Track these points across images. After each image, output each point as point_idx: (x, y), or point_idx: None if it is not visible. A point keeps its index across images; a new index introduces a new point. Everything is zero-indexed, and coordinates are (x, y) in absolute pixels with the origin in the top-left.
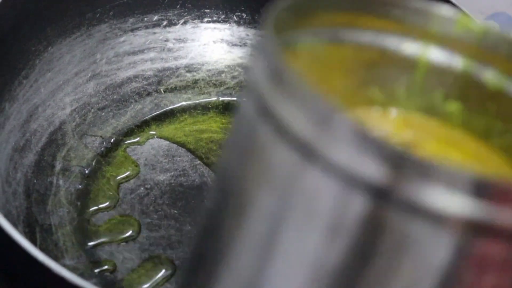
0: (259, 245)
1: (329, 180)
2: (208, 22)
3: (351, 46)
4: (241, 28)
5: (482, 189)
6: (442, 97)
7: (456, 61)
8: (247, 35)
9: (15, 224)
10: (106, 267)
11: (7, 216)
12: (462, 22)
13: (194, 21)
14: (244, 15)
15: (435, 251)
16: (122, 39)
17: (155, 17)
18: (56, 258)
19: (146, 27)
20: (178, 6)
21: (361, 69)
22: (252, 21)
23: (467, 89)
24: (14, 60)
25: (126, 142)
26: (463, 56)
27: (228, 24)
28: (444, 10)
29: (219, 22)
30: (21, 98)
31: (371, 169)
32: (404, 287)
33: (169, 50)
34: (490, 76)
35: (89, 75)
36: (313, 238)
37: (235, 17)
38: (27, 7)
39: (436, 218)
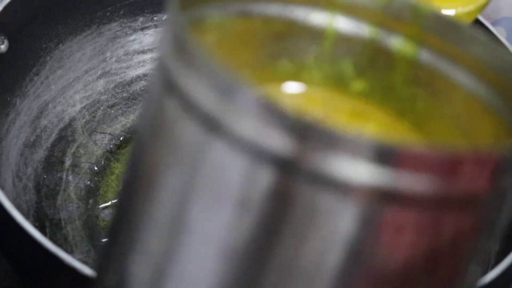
0: (168, 225)
1: (236, 154)
2: None
3: (259, 19)
4: None
5: (385, 155)
6: (351, 67)
7: (363, 30)
8: None
9: (25, 218)
10: None
11: (18, 210)
12: None
13: None
14: None
15: (343, 222)
16: (132, 37)
17: (165, 17)
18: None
19: (156, 26)
20: None
21: (270, 41)
22: None
23: (375, 57)
24: (25, 56)
25: None
26: (370, 24)
27: None
28: None
29: None
30: (32, 94)
31: (277, 141)
32: (314, 259)
33: None
34: (396, 43)
35: (99, 73)
36: (222, 214)
37: None
38: (39, 4)
39: (342, 188)
